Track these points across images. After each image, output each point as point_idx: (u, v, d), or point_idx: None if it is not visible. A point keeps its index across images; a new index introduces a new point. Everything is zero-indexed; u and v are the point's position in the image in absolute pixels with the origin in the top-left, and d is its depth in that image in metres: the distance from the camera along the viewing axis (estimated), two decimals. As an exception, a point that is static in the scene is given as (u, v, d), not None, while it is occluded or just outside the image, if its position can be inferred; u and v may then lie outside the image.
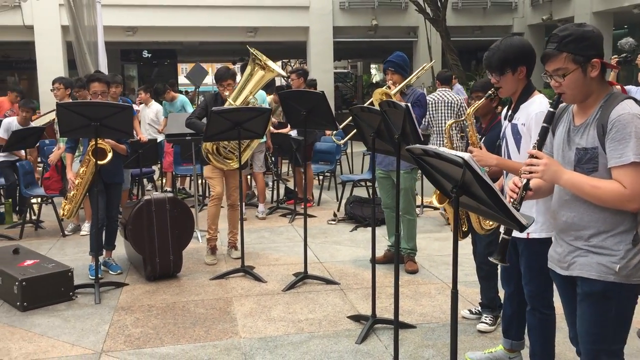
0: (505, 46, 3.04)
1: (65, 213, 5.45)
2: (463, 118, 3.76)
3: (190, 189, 9.27)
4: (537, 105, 3.08)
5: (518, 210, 2.20)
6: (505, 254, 2.37)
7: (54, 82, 7.50)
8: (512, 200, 2.34)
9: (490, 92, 3.28)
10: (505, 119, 3.28)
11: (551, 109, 2.39)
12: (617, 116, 2.19)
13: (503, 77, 3.07)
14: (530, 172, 2.29)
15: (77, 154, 5.66)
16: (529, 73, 3.12)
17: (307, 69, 9.77)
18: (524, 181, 2.35)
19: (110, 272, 5.40)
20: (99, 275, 4.96)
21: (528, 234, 3.08)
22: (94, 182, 5.00)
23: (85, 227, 6.77)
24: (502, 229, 3.26)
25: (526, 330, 3.36)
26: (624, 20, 19.91)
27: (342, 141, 7.04)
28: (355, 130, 4.38)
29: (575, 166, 2.32)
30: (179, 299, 4.75)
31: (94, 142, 4.90)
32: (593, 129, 2.27)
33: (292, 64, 35.11)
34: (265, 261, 5.74)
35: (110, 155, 4.98)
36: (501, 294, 3.77)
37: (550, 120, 2.40)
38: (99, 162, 4.87)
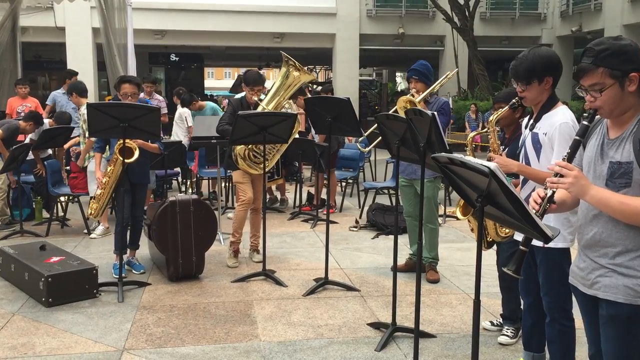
0: (533, 56, 3.03)
1: (93, 212, 5.54)
2: (486, 129, 3.75)
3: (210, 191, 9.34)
4: (561, 116, 3.07)
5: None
6: (521, 266, 2.31)
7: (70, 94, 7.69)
8: (534, 211, 2.30)
9: (514, 101, 3.27)
10: (526, 127, 3.28)
11: (586, 123, 2.31)
12: None
13: (529, 87, 3.07)
14: (557, 183, 2.22)
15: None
16: (554, 84, 3.11)
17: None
18: (549, 193, 2.27)
19: (134, 271, 5.47)
20: (123, 275, 5.03)
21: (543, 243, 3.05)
22: (121, 181, 5.08)
23: (99, 230, 6.83)
24: (516, 235, 3.26)
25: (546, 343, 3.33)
26: (655, 34, 19.57)
27: (367, 149, 7.04)
28: (380, 138, 4.38)
29: (607, 180, 2.25)
30: (200, 300, 4.79)
31: (121, 141, 4.99)
32: (629, 143, 2.21)
33: (318, 70, 35.24)
34: (287, 266, 5.77)
35: (136, 154, 5.05)
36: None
37: (584, 134, 2.32)
38: (126, 160, 4.95)
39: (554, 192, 2.27)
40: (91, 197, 5.66)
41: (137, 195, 5.37)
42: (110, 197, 5.44)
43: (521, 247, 2.31)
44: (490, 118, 3.51)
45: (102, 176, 5.31)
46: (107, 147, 5.49)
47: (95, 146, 5.56)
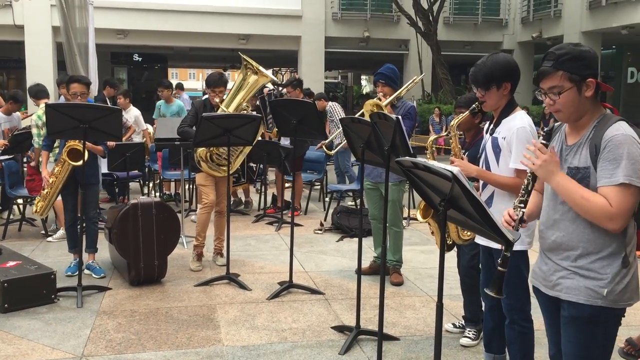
0: (492, 62, 3.13)
1: (38, 210, 5.46)
2: (446, 132, 3.81)
3: (169, 192, 9.21)
4: (519, 121, 3.17)
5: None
6: (502, 286, 2.35)
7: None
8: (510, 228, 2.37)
9: (474, 106, 3.34)
10: (487, 132, 3.36)
11: (548, 129, 2.41)
12: (611, 137, 2.20)
13: (488, 92, 3.16)
14: (530, 161, 2.31)
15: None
16: (512, 89, 3.21)
17: (300, 78, 9.87)
18: (520, 214, 2.37)
19: (94, 275, 5.34)
20: (70, 274, 4.94)
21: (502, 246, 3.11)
22: (72, 182, 5.06)
23: (58, 233, 6.68)
24: (477, 239, 3.32)
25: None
26: (612, 41, 20.22)
27: (332, 152, 7.06)
28: (345, 141, 4.39)
29: None
30: (162, 305, 4.72)
31: (69, 144, 4.92)
32: (586, 149, 2.28)
33: (283, 73, 35.22)
34: (251, 269, 5.72)
35: (85, 156, 4.96)
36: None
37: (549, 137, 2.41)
38: (74, 163, 4.89)
39: (523, 214, 2.38)
40: (38, 196, 5.53)
41: (86, 195, 5.24)
42: (57, 196, 5.34)
43: (499, 268, 2.34)
44: (452, 123, 3.58)
45: (48, 175, 5.21)
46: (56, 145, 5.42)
47: (43, 144, 5.45)
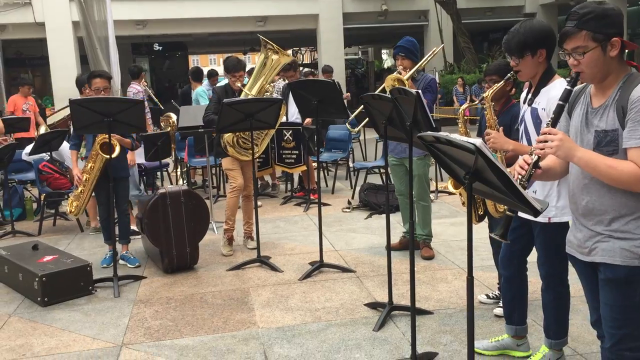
0: (525, 29, 3.00)
1: (73, 210, 5.50)
2: (477, 102, 3.73)
3: (194, 180, 9.29)
4: (559, 90, 2.98)
5: (526, 188, 2.19)
6: (508, 230, 2.34)
7: None
8: (520, 177, 2.31)
9: (509, 75, 3.23)
10: (524, 102, 3.24)
11: (568, 87, 2.34)
12: (638, 97, 2.15)
13: (522, 60, 3.04)
14: (543, 149, 2.25)
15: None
16: (548, 56, 3.07)
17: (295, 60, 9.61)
18: (535, 158, 2.31)
19: (129, 265, 5.45)
20: (105, 265, 5.13)
21: (549, 218, 3.06)
22: (103, 176, 5.14)
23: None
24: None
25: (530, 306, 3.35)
26: (639, -4, 19.54)
27: (356, 129, 7.01)
28: (367, 119, 4.36)
29: (594, 148, 2.27)
30: (196, 291, 4.79)
31: (101, 137, 4.97)
32: (613, 110, 2.23)
33: (303, 52, 35.02)
34: (281, 251, 5.77)
35: (118, 149, 5.02)
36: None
37: (567, 98, 2.35)
38: (107, 156, 4.93)
39: (539, 158, 2.31)
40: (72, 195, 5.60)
41: (118, 189, 5.31)
42: (91, 193, 5.40)
43: (508, 212, 2.34)
44: (485, 94, 3.49)
45: (80, 173, 5.26)
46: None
47: (71, 144, 5.50)
